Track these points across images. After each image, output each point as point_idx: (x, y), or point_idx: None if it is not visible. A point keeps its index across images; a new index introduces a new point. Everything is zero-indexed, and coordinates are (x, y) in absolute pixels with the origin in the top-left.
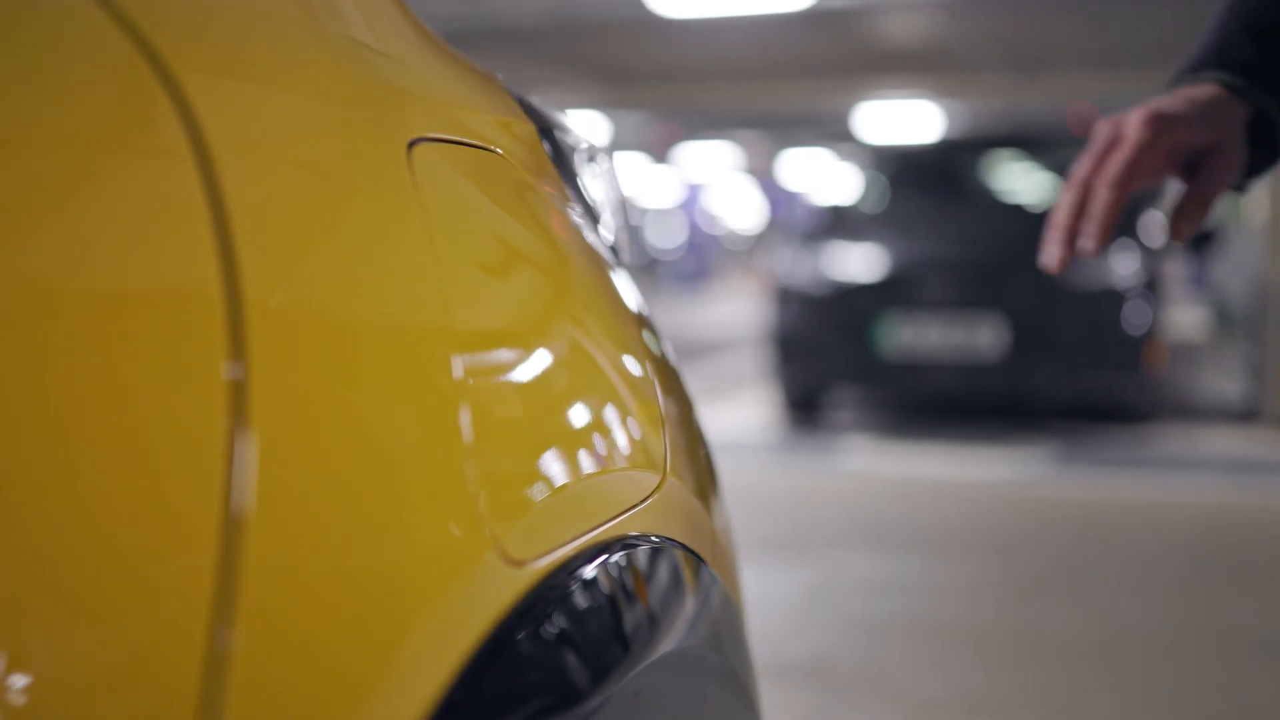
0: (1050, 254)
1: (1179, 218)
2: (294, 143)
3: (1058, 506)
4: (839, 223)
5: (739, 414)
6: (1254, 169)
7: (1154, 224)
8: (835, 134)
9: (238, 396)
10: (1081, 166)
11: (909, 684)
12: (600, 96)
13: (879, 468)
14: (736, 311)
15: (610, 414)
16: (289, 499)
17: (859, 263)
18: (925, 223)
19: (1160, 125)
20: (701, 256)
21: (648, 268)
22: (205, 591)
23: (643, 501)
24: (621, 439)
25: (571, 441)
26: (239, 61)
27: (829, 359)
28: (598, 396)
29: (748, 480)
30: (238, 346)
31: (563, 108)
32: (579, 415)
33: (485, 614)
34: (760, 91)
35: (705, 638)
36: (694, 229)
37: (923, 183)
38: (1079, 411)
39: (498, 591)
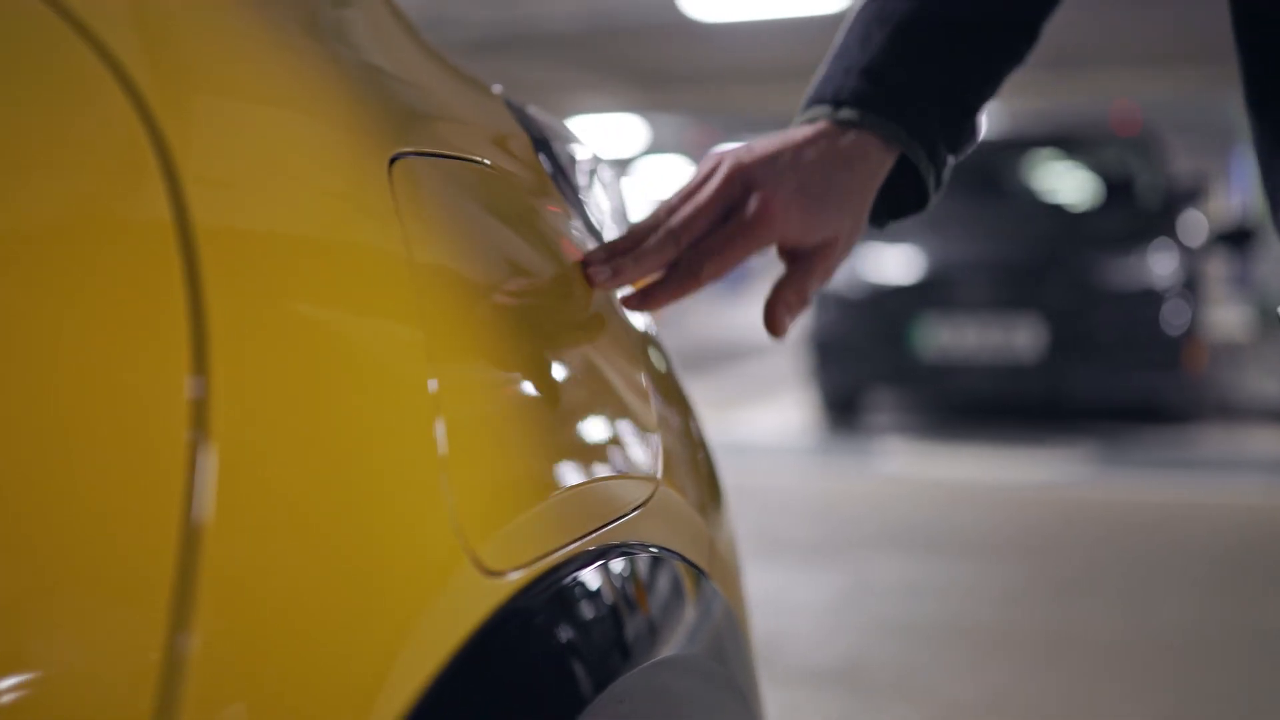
0: (591, 270)
1: (775, 307)
2: (265, 157)
3: (1095, 508)
4: None
5: (777, 417)
6: (895, 210)
7: (1192, 222)
8: None
9: (200, 409)
10: (674, 198)
11: (941, 687)
12: (637, 100)
13: (916, 470)
14: None
15: (596, 424)
16: (251, 509)
17: (896, 264)
18: (962, 224)
19: (738, 182)
20: None
21: None
22: (164, 597)
23: (632, 510)
24: (608, 448)
25: (554, 451)
26: (208, 76)
27: (866, 361)
28: (582, 406)
29: (784, 483)
30: (200, 360)
31: (601, 111)
32: (562, 425)
33: (460, 625)
34: (797, 93)
35: (704, 647)
36: None
37: (959, 184)
38: (1117, 412)
39: (473, 603)
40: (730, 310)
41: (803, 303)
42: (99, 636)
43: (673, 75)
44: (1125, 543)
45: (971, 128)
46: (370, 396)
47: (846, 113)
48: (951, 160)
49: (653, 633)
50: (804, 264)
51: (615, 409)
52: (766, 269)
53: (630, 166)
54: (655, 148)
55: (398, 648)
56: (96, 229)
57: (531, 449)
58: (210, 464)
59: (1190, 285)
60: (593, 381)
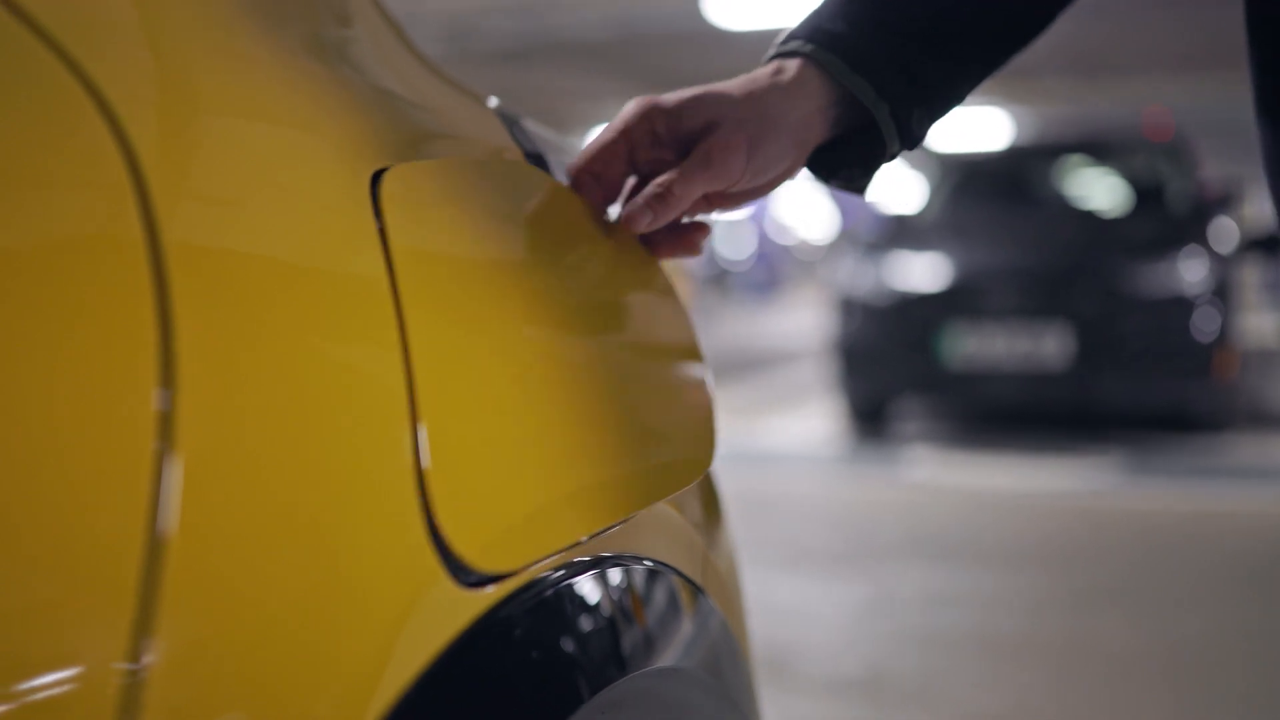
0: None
1: (638, 205)
2: (240, 170)
3: (1124, 517)
4: (902, 232)
5: (804, 425)
6: (853, 164)
7: (1223, 229)
8: None
9: (166, 420)
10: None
11: (962, 697)
12: None
13: (943, 479)
14: (805, 322)
15: (580, 435)
16: (217, 520)
17: (922, 272)
18: (989, 231)
19: (647, 107)
20: (771, 267)
21: (717, 279)
22: (129, 607)
23: (617, 523)
24: (593, 460)
25: (535, 463)
26: (181, 94)
27: (893, 370)
28: (566, 419)
29: (810, 491)
30: (168, 373)
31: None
32: (544, 436)
33: (434, 638)
34: None
35: (699, 661)
36: (763, 239)
37: (987, 190)
38: (1147, 420)
39: (448, 616)
40: (758, 319)
41: (667, 202)
42: (62, 645)
43: (698, 83)
44: (1153, 552)
45: (953, 88)
46: (342, 402)
47: (793, 44)
48: (926, 119)
49: (638, 645)
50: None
51: (600, 423)
52: (798, 277)
53: None
54: None
55: (371, 659)
56: (66, 243)
57: (512, 459)
58: (178, 475)
59: (1221, 292)
60: (577, 391)
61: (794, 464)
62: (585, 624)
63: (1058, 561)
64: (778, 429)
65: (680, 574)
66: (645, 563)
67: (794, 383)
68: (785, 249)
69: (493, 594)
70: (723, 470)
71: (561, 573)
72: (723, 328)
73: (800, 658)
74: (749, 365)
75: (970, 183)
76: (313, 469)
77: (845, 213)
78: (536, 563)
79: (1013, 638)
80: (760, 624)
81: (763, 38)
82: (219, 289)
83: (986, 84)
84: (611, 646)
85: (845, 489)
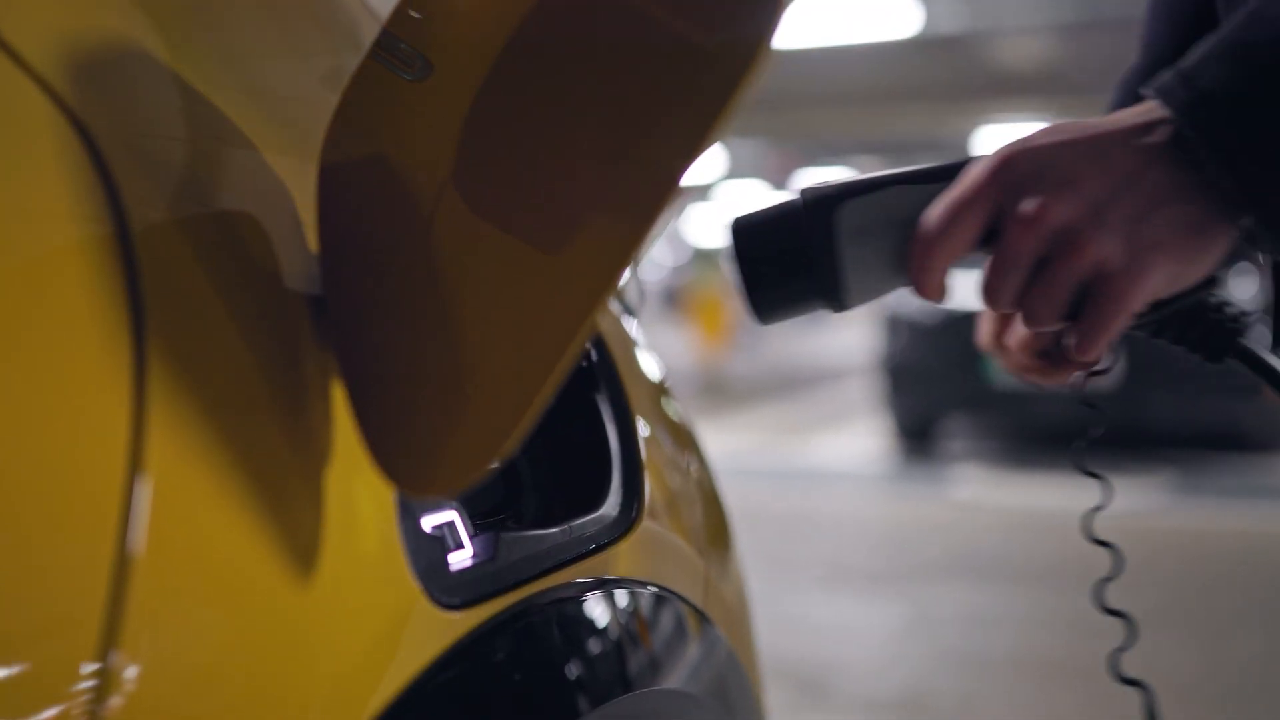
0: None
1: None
2: (204, 182)
3: (1172, 537)
4: None
5: (852, 443)
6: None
7: None
8: (953, 159)
9: (137, 443)
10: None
11: (1001, 719)
12: None
13: (989, 498)
14: (856, 339)
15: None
16: (183, 538)
17: (969, 289)
18: None
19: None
20: None
21: None
22: (94, 627)
23: (603, 547)
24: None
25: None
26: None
27: (939, 388)
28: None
29: (855, 510)
30: (140, 396)
31: None
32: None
33: (409, 662)
34: (877, 117)
35: (707, 687)
36: None
37: None
38: (1196, 440)
39: (427, 639)
40: (808, 336)
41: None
42: (27, 663)
43: (751, 99)
44: (1202, 573)
45: None
46: (317, 432)
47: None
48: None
49: (640, 666)
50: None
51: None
52: None
53: (709, 192)
54: (734, 173)
55: (343, 683)
56: (37, 255)
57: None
58: (144, 495)
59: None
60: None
61: (839, 482)
62: (583, 643)
63: None
64: (824, 447)
65: (684, 600)
66: (649, 588)
67: (842, 401)
68: None
69: (472, 617)
70: (768, 488)
71: (560, 594)
72: (772, 346)
73: (840, 676)
74: (798, 383)
75: None
76: (286, 491)
77: None
78: (510, 590)
79: (1055, 659)
80: (800, 642)
81: (816, 55)
82: (188, 314)
83: (1038, 99)
84: (610, 666)
85: (890, 507)
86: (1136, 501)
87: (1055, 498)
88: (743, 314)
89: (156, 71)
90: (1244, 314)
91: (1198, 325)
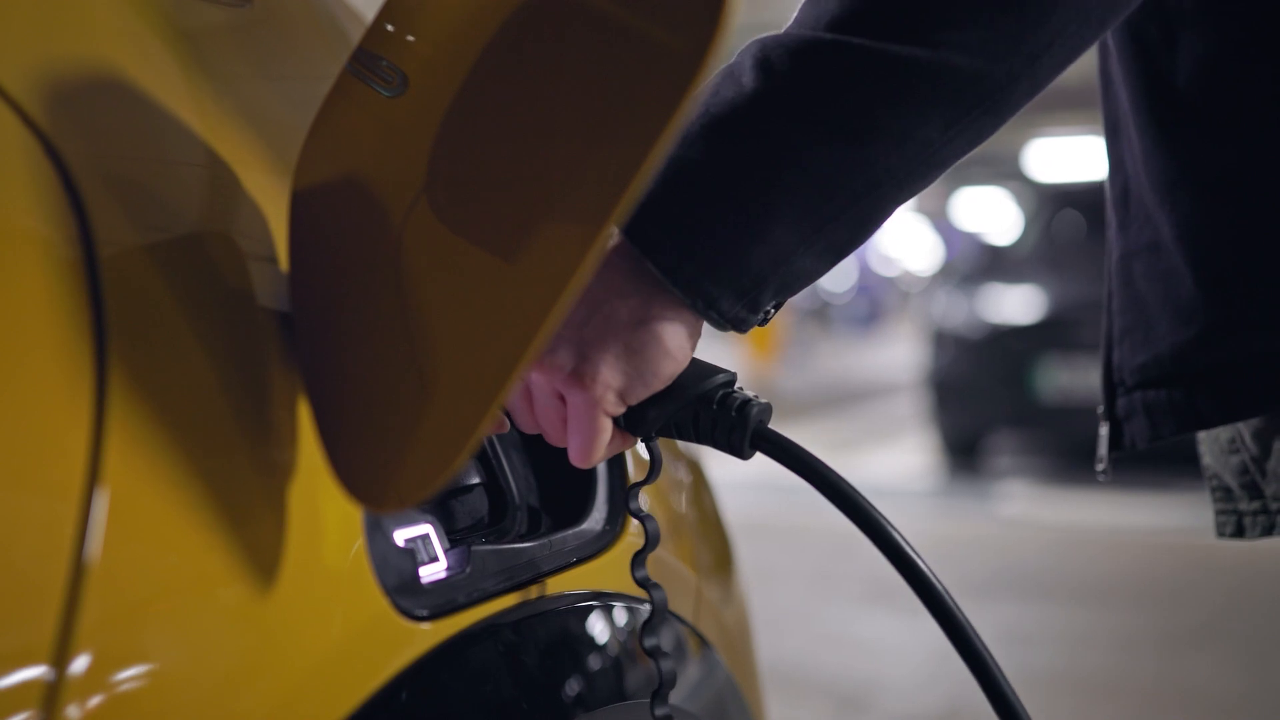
0: None
1: None
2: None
3: (1219, 554)
4: (996, 263)
5: (898, 459)
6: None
7: None
8: (1007, 172)
9: (96, 456)
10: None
11: None
12: None
13: (1035, 514)
14: (906, 354)
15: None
16: (140, 549)
17: (1016, 304)
18: (1084, 262)
19: None
20: (873, 299)
21: (818, 312)
22: (49, 629)
23: (587, 559)
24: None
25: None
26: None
27: (985, 403)
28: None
29: (899, 526)
30: (100, 411)
31: None
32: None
33: (374, 672)
34: None
35: (704, 708)
36: (865, 271)
37: (1082, 221)
38: None
39: (394, 650)
40: (859, 351)
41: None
42: None
43: None
44: (1249, 589)
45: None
46: (281, 447)
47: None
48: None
49: (636, 677)
50: None
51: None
52: (901, 308)
53: None
54: None
55: (306, 690)
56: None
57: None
58: (102, 506)
59: None
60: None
61: (885, 498)
62: (558, 656)
63: (1149, 599)
64: (872, 462)
65: (680, 620)
66: (632, 602)
67: (889, 416)
68: (888, 280)
69: (439, 628)
70: (811, 503)
71: (536, 607)
72: (820, 361)
73: (881, 693)
74: (845, 399)
75: (1066, 213)
76: (250, 497)
77: (950, 244)
78: (484, 601)
79: (1100, 678)
80: (841, 658)
81: None
82: (149, 323)
83: (1086, 112)
84: (586, 680)
85: (935, 523)
86: (1183, 518)
87: (1101, 514)
88: (793, 329)
89: (129, 95)
90: (749, 404)
91: (714, 423)
